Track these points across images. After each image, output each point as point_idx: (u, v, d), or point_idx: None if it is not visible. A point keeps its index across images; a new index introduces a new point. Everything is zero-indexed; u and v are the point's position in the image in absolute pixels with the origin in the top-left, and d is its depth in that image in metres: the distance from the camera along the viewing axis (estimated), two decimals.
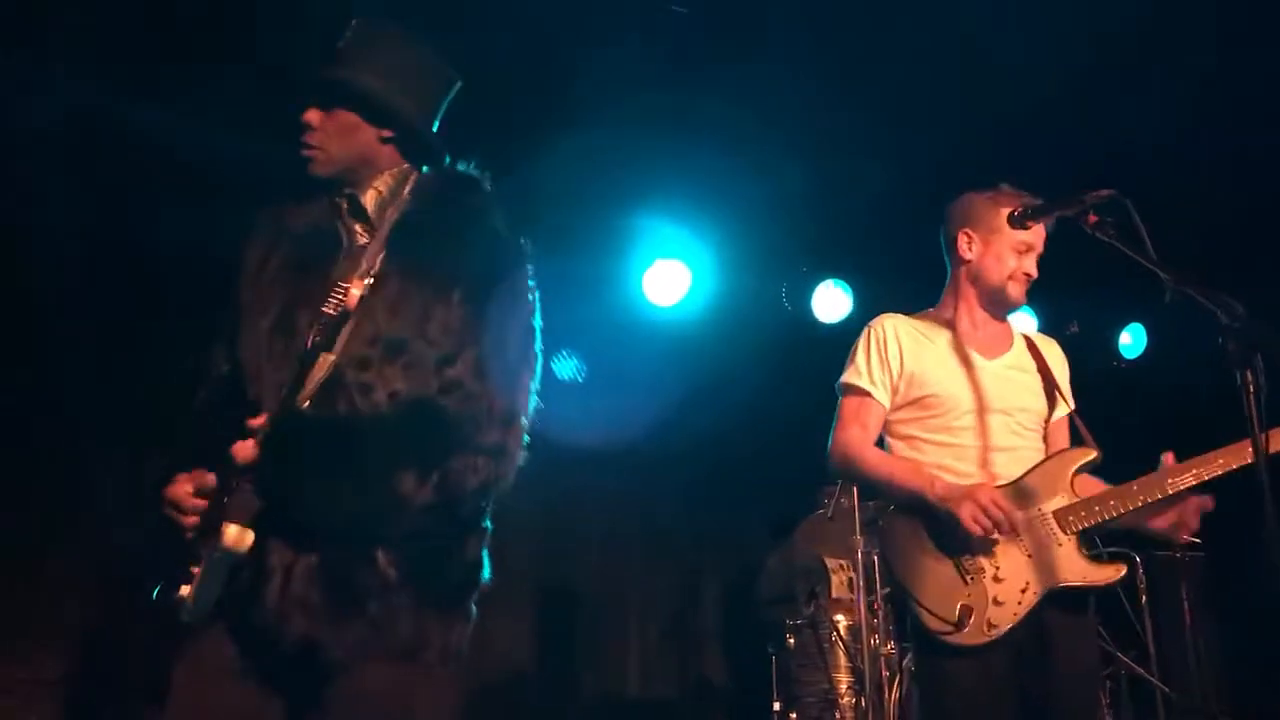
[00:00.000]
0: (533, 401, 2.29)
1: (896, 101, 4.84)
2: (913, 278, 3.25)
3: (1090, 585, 2.76)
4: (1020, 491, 2.78)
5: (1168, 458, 2.78)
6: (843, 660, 4.90)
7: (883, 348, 2.96)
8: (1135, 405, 6.46)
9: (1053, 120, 4.94)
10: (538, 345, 2.31)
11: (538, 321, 2.33)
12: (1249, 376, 2.04)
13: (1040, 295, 6.10)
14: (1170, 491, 2.73)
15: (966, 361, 2.95)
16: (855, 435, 2.92)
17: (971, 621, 2.64)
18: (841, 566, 5.20)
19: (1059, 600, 2.71)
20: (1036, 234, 2.96)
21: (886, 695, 4.53)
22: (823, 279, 6.09)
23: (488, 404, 2.11)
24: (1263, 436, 2.06)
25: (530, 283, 2.35)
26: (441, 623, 2.12)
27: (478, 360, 2.11)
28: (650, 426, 5.97)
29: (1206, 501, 2.76)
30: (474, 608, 2.23)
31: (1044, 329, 6.31)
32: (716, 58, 4.73)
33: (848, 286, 6.07)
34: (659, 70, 4.82)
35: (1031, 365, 3.03)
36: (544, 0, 4.33)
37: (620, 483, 6.04)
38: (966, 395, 2.89)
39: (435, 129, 2.43)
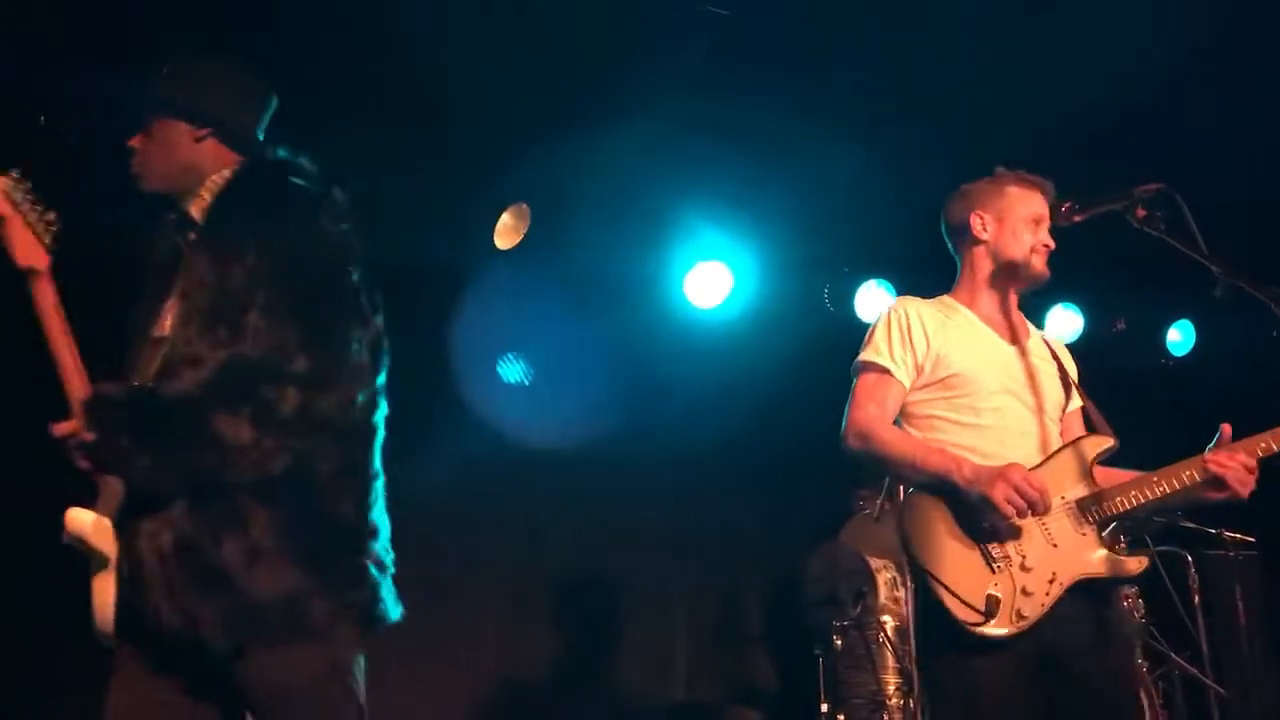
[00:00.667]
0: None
1: (942, 99, 4.81)
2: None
3: (1115, 577, 2.72)
4: (1045, 477, 2.70)
5: (1225, 430, 2.71)
6: (890, 661, 4.88)
7: (905, 328, 2.90)
8: (1183, 403, 6.39)
9: (1103, 120, 4.88)
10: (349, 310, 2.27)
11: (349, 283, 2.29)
12: None
13: (1086, 293, 6.20)
14: (1188, 482, 2.67)
15: (989, 343, 2.93)
16: (873, 413, 2.83)
17: (1000, 610, 2.56)
18: (885, 567, 5.17)
19: (1084, 592, 2.66)
20: (1043, 206, 2.93)
21: None
22: (866, 279, 6.05)
23: (285, 343, 2.09)
24: None
25: (344, 267, 2.29)
26: (320, 587, 2.07)
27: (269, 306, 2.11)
28: (691, 429, 5.98)
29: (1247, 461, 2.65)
30: (374, 572, 2.18)
31: (1090, 328, 6.32)
32: (757, 58, 4.72)
33: (891, 286, 6.03)
34: (700, 72, 4.82)
35: (1048, 355, 3.01)
36: (584, 2, 4.34)
37: (662, 485, 6.03)
38: (991, 376, 2.85)
39: (258, 127, 2.48)
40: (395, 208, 4.82)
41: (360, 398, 2.21)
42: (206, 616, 2.00)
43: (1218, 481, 2.64)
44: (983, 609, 2.54)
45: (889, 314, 2.96)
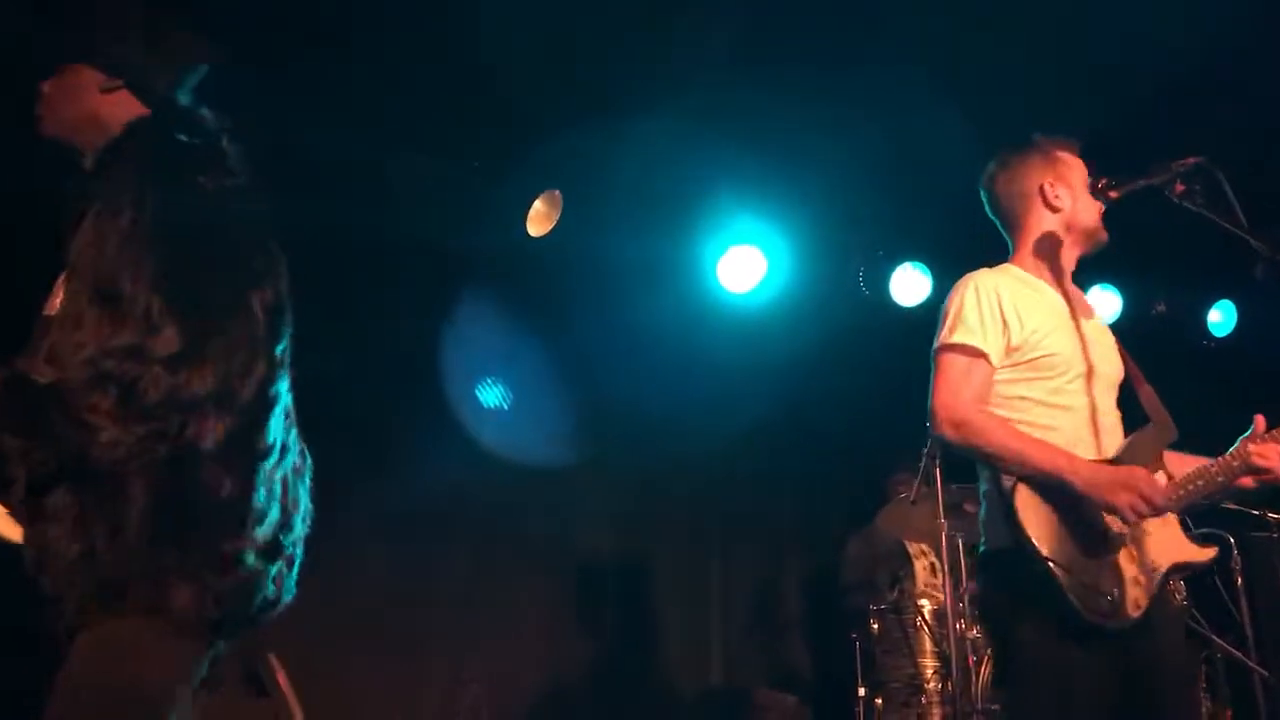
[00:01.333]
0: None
1: (976, 79, 4.77)
2: (996, 256, 3.16)
3: (1196, 563, 2.70)
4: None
5: (1259, 421, 2.69)
6: (928, 645, 4.86)
7: (996, 305, 2.74)
8: (1225, 384, 6.31)
9: (1144, 93, 4.81)
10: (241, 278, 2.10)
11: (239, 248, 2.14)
12: None
13: (1126, 274, 6.13)
14: (1238, 470, 2.65)
15: (1069, 320, 2.82)
16: (968, 399, 2.67)
17: (1120, 600, 2.50)
18: (923, 551, 5.15)
19: (1166, 582, 2.65)
20: (1084, 168, 2.89)
21: (973, 679, 4.48)
22: (901, 262, 6.02)
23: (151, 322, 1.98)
24: None
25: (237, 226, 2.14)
26: (180, 569, 1.97)
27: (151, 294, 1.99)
28: (726, 414, 5.98)
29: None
30: (252, 557, 2.04)
31: (1129, 308, 6.26)
32: (788, 40, 4.70)
33: (926, 268, 5.98)
34: (731, 55, 4.80)
35: (1104, 326, 2.96)
36: None
37: (697, 469, 6.05)
38: (1078, 356, 2.75)
39: (178, 87, 2.33)
40: (426, 192, 4.86)
41: (247, 368, 2.02)
42: (71, 597, 1.97)
43: (1256, 470, 2.64)
44: (1108, 599, 2.49)
45: (974, 290, 2.78)
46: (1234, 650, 5.07)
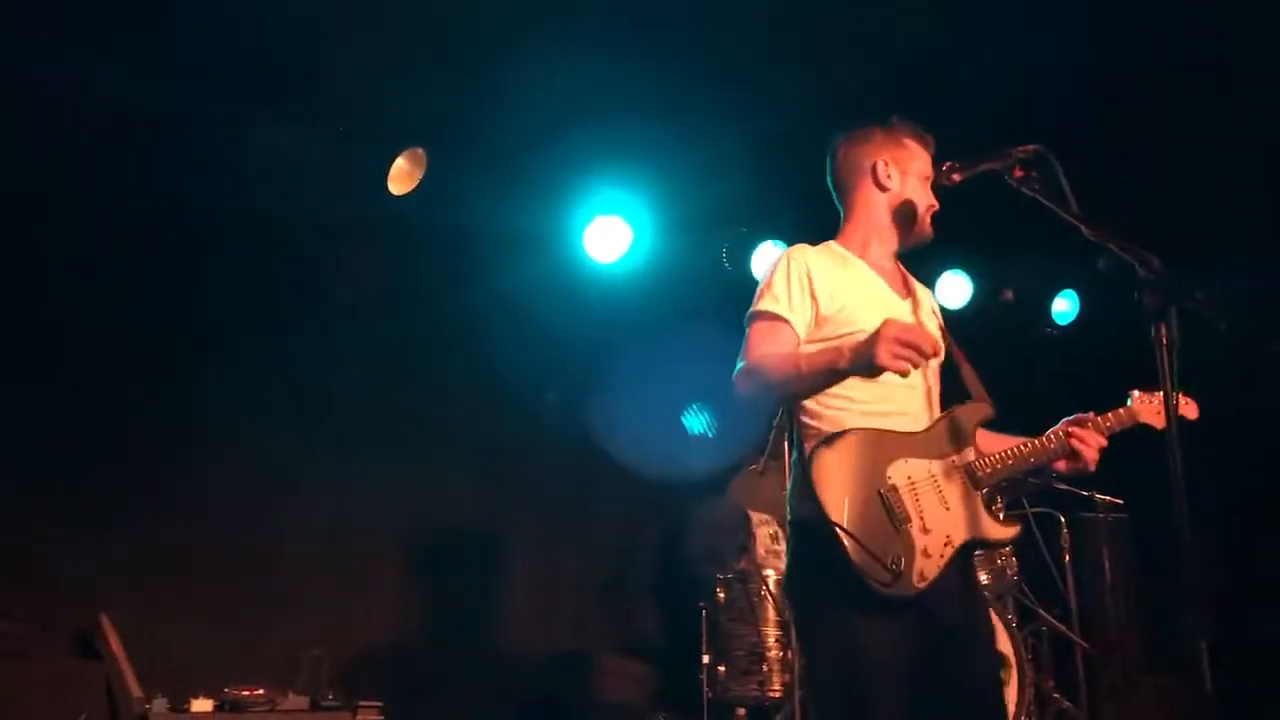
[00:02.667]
0: None
1: (844, 59, 4.83)
2: None
3: (998, 540, 2.77)
4: (933, 440, 2.73)
5: (1087, 415, 2.82)
6: (771, 614, 4.96)
7: (804, 278, 2.77)
8: (1066, 371, 6.59)
9: (1005, 88, 4.95)
10: None
11: None
12: (1162, 330, 2.08)
13: (976, 262, 6.33)
14: (1051, 451, 2.78)
15: (885, 297, 2.87)
16: (766, 351, 2.71)
17: (905, 571, 2.52)
18: (767, 521, 5.25)
19: (964, 556, 2.70)
20: (930, 166, 2.92)
21: None
22: (763, 239, 6.09)
23: None
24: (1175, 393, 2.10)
25: None
26: None
27: None
28: (587, 382, 5.99)
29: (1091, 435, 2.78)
30: None
31: (979, 296, 6.46)
32: (660, 13, 4.69)
33: (787, 247, 6.05)
34: (600, 25, 4.77)
35: (928, 307, 3.00)
36: None
37: (556, 437, 6.04)
38: None
39: None
40: (278, 151, 4.72)
41: None
42: None
43: (1072, 454, 2.78)
44: (890, 568, 2.50)
45: (785, 262, 2.81)
46: (1059, 624, 5.34)
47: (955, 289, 6.34)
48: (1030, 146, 2.46)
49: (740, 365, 2.72)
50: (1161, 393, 2.81)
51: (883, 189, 2.92)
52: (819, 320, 2.76)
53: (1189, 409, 2.96)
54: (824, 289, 2.76)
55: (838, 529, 2.49)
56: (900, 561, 2.52)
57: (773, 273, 2.82)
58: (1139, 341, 2.21)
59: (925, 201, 2.90)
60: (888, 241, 2.95)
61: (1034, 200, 2.38)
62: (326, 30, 4.56)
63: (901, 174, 2.91)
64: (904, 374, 2.47)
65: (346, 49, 4.68)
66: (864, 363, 2.46)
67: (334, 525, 5.17)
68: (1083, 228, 2.26)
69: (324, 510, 5.17)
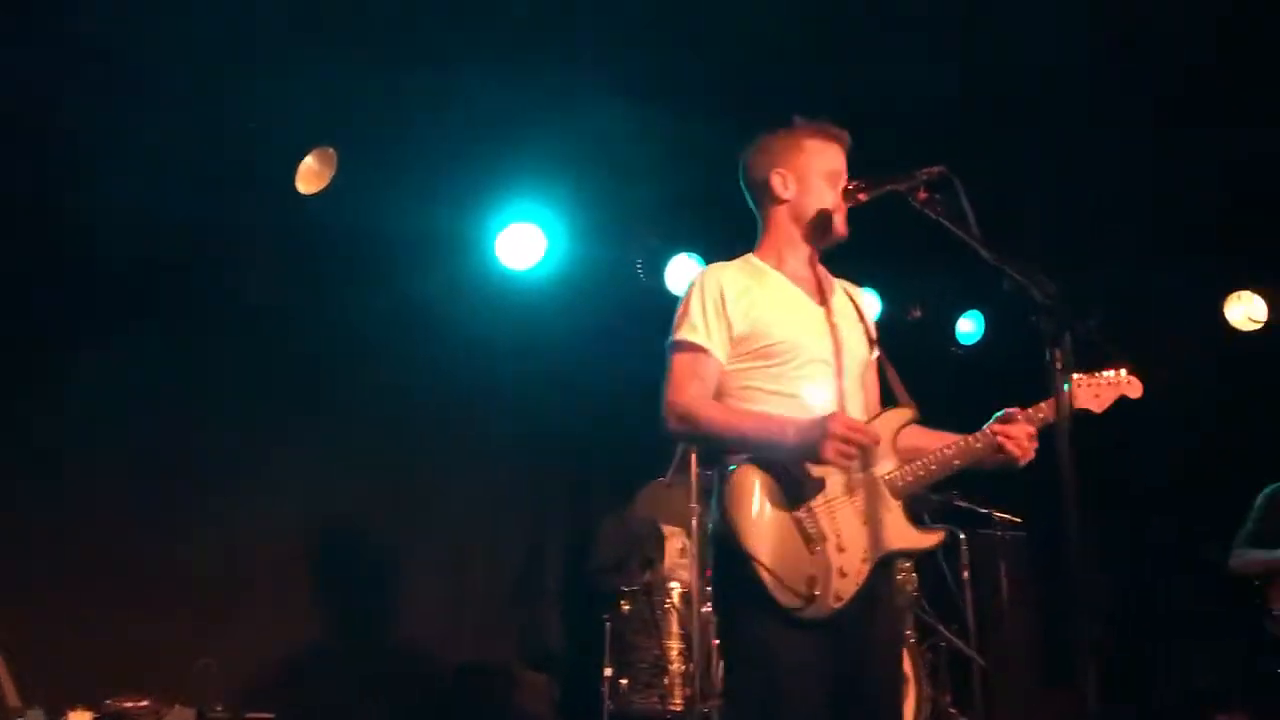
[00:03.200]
0: None
1: (758, 72, 4.86)
2: None
3: (917, 550, 2.79)
4: None
5: (1011, 410, 2.81)
6: (675, 627, 4.95)
7: (718, 301, 2.78)
8: (969, 390, 6.70)
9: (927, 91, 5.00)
10: None
11: None
12: (1056, 353, 2.11)
13: (885, 280, 6.40)
14: (976, 450, 2.75)
15: (801, 306, 2.87)
16: (695, 391, 2.73)
17: (819, 594, 2.53)
18: (675, 534, 5.25)
19: (882, 569, 2.70)
20: (840, 159, 2.91)
21: (715, 661, 4.59)
22: (678, 252, 6.10)
23: None
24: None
25: None
26: None
27: None
28: (499, 389, 5.94)
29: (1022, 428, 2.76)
30: None
31: (887, 313, 6.54)
32: (572, 20, 4.69)
33: (702, 260, 6.08)
34: (515, 31, 4.75)
35: (852, 310, 2.99)
36: None
37: (464, 445, 5.98)
38: (806, 342, 2.79)
39: None
40: (183, 148, 4.60)
41: None
42: None
43: (1001, 450, 2.75)
44: (804, 594, 2.52)
45: (699, 286, 2.83)
46: (956, 639, 5.41)
47: (864, 306, 6.38)
48: (935, 168, 2.48)
49: (669, 400, 2.74)
50: (1104, 373, 2.87)
51: (782, 200, 2.92)
52: (735, 340, 2.77)
53: (1132, 388, 2.92)
54: (738, 308, 2.78)
55: (751, 558, 2.53)
56: (815, 584, 2.54)
57: (688, 297, 2.85)
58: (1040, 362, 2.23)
59: (831, 201, 2.87)
60: (801, 249, 2.94)
61: (937, 223, 2.39)
62: (238, 25, 4.47)
63: (800, 180, 2.89)
64: (846, 470, 2.56)
65: (257, 45, 4.58)
66: (809, 454, 2.54)
67: (230, 532, 5.04)
68: (983, 251, 2.29)
69: (220, 516, 5.03)
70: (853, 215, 2.91)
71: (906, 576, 5.13)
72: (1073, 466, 2.04)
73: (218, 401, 5.15)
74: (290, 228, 5.23)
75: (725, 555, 2.64)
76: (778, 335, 2.76)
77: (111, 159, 4.52)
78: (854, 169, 2.89)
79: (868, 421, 2.75)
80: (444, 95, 4.99)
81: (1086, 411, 2.91)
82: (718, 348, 2.77)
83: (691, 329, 2.78)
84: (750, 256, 2.96)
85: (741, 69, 4.93)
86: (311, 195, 5.10)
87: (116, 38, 4.29)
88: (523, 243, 5.74)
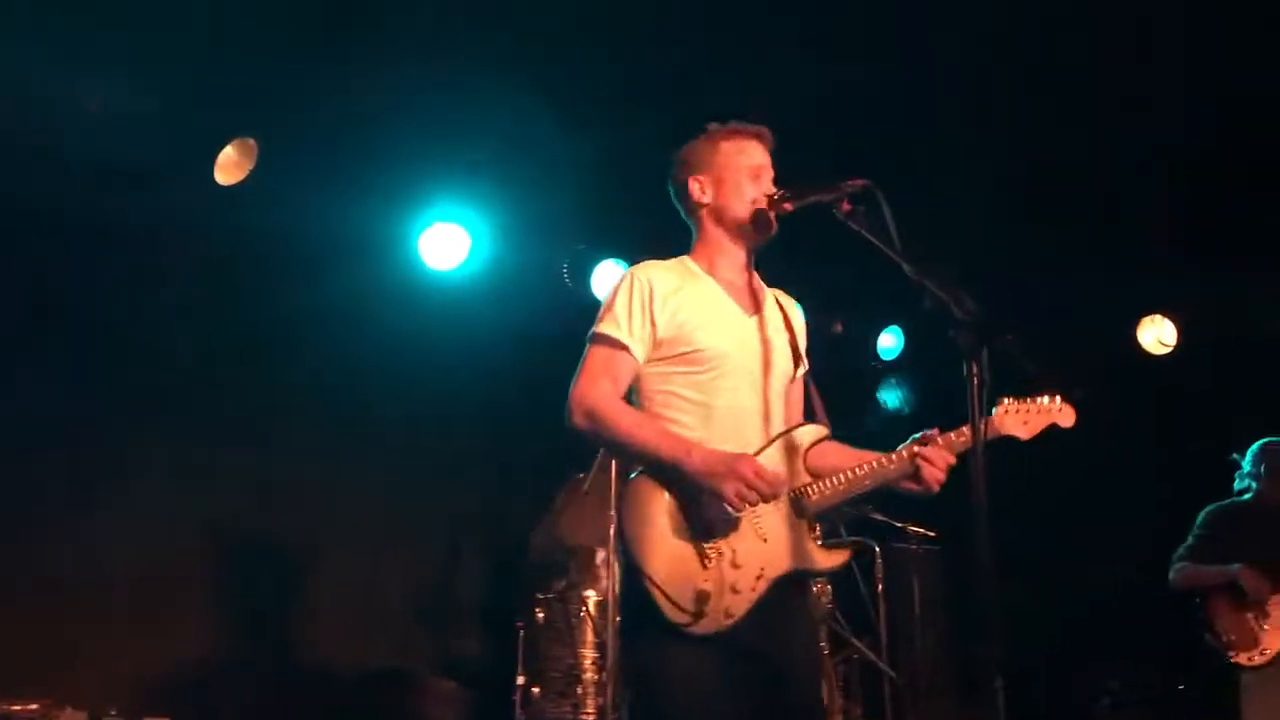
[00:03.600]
0: None
1: (681, 76, 4.84)
2: None
3: (823, 570, 2.74)
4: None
5: (933, 432, 2.75)
6: (589, 636, 4.91)
7: (646, 299, 2.72)
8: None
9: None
10: None
11: None
12: (975, 369, 2.11)
13: (806, 294, 6.42)
14: (891, 472, 2.71)
15: (731, 316, 2.82)
16: (605, 389, 2.67)
17: (709, 609, 2.49)
18: (599, 549, 5.20)
19: (784, 585, 2.64)
20: (761, 154, 2.88)
21: None
22: (605, 257, 6.06)
23: None
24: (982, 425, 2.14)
25: None
26: None
27: None
28: (420, 391, 5.85)
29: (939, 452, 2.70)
30: None
31: (809, 326, 6.54)
32: (498, 21, 4.65)
33: (628, 266, 6.03)
34: (441, 32, 4.69)
35: (782, 323, 2.94)
36: None
37: (382, 448, 5.89)
38: (731, 353, 2.74)
39: None
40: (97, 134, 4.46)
41: None
42: None
43: (915, 474, 2.70)
44: (692, 609, 2.47)
45: (628, 281, 2.77)
46: (869, 653, 5.44)
47: (795, 318, 6.41)
48: (859, 181, 2.48)
49: (578, 393, 2.67)
50: (1035, 400, 2.83)
51: (702, 205, 2.89)
52: (658, 342, 2.72)
53: (1064, 415, 2.87)
54: (664, 310, 2.73)
55: (640, 570, 2.49)
56: (704, 600, 2.50)
57: (615, 292, 2.78)
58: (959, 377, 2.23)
59: (746, 199, 2.82)
60: (732, 254, 2.89)
61: (858, 235, 2.39)
62: (158, 11, 4.34)
63: (716, 182, 2.86)
64: (738, 511, 2.51)
65: (175, 29, 4.46)
66: (707, 484, 2.51)
67: (139, 533, 4.91)
68: (904, 266, 2.29)
69: (123, 516, 4.88)
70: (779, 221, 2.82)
71: (821, 590, 5.14)
72: (985, 485, 2.04)
73: (126, 399, 5.01)
74: (206, 222, 5.09)
75: (624, 567, 2.60)
76: (703, 342, 2.71)
77: (12, 150, 4.36)
78: (783, 166, 2.86)
79: (782, 435, 2.73)
80: (367, 90, 4.90)
81: (1013, 438, 2.83)
82: (637, 346, 2.71)
83: (614, 324, 2.72)
84: (685, 259, 2.92)
85: (670, 71, 4.91)
86: (230, 187, 4.97)
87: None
88: (446, 243, 5.66)
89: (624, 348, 2.70)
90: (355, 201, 5.36)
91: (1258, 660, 4.84)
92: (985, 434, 2.78)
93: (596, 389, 2.67)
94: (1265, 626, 4.86)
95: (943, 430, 2.72)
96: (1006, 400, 2.82)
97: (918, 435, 2.74)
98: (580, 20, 4.63)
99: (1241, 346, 6.39)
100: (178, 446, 5.11)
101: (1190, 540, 5.22)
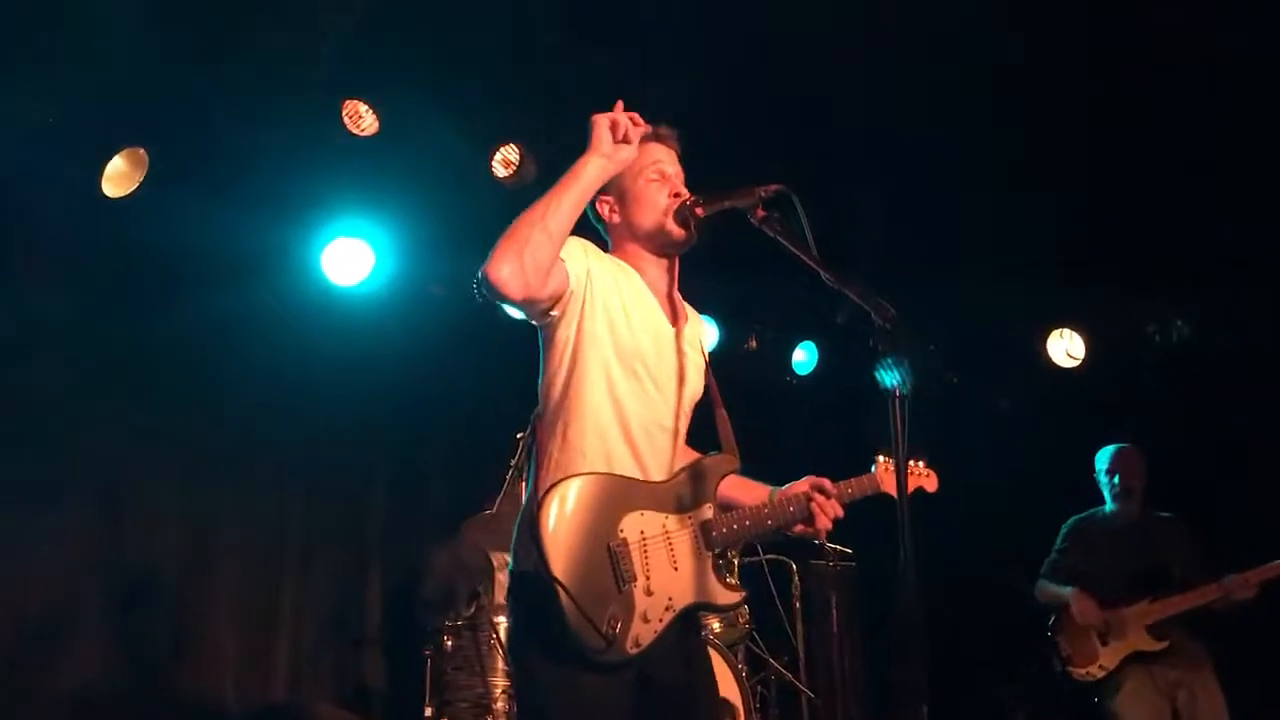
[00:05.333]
0: None
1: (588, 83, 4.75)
2: None
3: (723, 606, 2.67)
4: (672, 493, 2.59)
5: (822, 481, 2.77)
6: (500, 664, 4.73)
7: (590, 249, 2.60)
8: (803, 420, 6.74)
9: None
10: None
11: None
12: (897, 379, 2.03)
13: (721, 310, 6.39)
14: (791, 516, 2.72)
15: (657, 322, 2.70)
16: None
17: (619, 636, 2.37)
18: (504, 565, 5.04)
19: (685, 619, 2.56)
20: (666, 155, 2.77)
21: None
22: None
23: None
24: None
25: None
26: None
27: None
28: (320, 412, 5.64)
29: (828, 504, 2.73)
30: None
31: (724, 341, 6.52)
32: (399, 34, 4.55)
33: None
34: (346, 46, 4.57)
35: (698, 343, 2.85)
36: None
37: (283, 469, 5.67)
38: (654, 359, 2.64)
39: None
40: None
41: None
42: None
43: (809, 519, 2.73)
44: (604, 632, 2.34)
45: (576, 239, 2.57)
46: (786, 672, 5.36)
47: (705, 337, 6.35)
48: (774, 186, 2.39)
49: (492, 256, 2.38)
50: (911, 462, 2.86)
51: (614, 224, 2.79)
52: (587, 294, 2.53)
53: (929, 481, 2.96)
54: (601, 270, 2.58)
55: (557, 585, 2.32)
56: (617, 625, 2.37)
57: None
58: (875, 392, 2.17)
59: (659, 209, 2.71)
60: (654, 260, 2.77)
61: (774, 242, 2.30)
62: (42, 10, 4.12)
63: (621, 197, 2.75)
64: (627, 140, 2.46)
65: (63, 30, 4.24)
66: (601, 153, 2.43)
67: (12, 557, 4.63)
68: (821, 273, 2.20)
69: (11, 547, 4.62)
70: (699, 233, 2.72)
71: (738, 610, 5.05)
72: (909, 507, 1.96)
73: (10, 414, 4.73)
74: (92, 234, 4.85)
75: (527, 592, 2.43)
76: (622, 334, 2.58)
77: None
78: (695, 171, 2.77)
79: (696, 462, 2.67)
80: (266, 101, 4.72)
81: (887, 495, 2.85)
82: (578, 265, 2.51)
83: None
84: (614, 255, 2.78)
85: (590, 80, 4.83)
86: (119, 199, 4.74)
87: None
88: (349, 258, 5.46)
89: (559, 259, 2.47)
90: (252, 215, 5.12)
91: (1095, 674, 4.90)
92: (868, 489, 2.90)
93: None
94: (1107, 641, 4.91)
95: (833, 481, 2.78)
96: (882, 458, 2.91)
97: (810, 478, 2.77)
98: (490, 26, 4.54)
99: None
100: (58, 468, 4.83)
101: (1052, 555, 5.26)
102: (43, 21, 4.19)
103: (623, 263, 2.73)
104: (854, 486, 2.87)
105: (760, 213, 2.40)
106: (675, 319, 2.76)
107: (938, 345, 2.03)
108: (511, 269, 2.32)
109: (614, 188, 2.73)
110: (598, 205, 2.77)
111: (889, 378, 2.11)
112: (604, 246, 2.77)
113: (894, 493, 2.69)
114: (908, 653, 1.90)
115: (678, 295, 2.83)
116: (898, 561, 1.95)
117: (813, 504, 2.71)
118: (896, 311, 2.06)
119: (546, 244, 2.35)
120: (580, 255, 2.53)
